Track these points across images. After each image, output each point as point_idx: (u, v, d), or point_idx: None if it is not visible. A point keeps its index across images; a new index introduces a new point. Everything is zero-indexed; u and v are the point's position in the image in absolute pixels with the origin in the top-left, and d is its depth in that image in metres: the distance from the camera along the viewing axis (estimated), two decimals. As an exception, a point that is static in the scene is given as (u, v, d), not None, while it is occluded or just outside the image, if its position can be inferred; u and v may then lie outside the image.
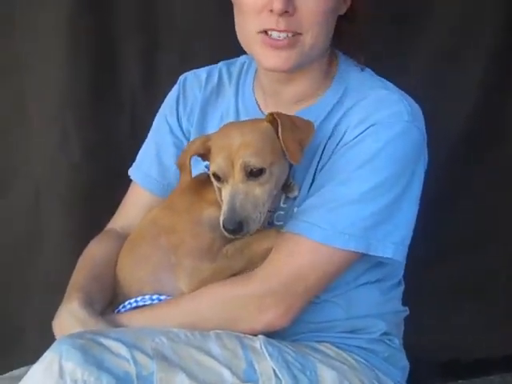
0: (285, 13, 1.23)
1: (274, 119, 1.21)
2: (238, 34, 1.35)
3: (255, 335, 1.22)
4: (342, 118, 1.31)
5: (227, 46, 1.46)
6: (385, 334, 1.36)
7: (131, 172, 1.52)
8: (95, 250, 1.41)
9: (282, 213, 1.31)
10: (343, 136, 1.29)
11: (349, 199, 1.22)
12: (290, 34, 1.25)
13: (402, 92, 1.32)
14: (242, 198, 1.16)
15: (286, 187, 1.29)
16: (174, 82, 1.53)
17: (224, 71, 1.51)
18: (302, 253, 1.22)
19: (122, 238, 1.41)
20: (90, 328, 1.17)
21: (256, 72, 1.45)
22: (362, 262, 1.29)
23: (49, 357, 1.04)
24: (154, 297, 1.26)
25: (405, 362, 1.43)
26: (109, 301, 1.31)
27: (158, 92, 1.62)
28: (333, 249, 1.21)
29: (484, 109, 1.90)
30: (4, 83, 1.75)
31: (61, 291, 1.31)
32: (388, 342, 1.38)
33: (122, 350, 1.06)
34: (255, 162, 1.16)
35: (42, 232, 1.85)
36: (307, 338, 1.32)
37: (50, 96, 1.73)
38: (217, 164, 1.19)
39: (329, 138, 1.30)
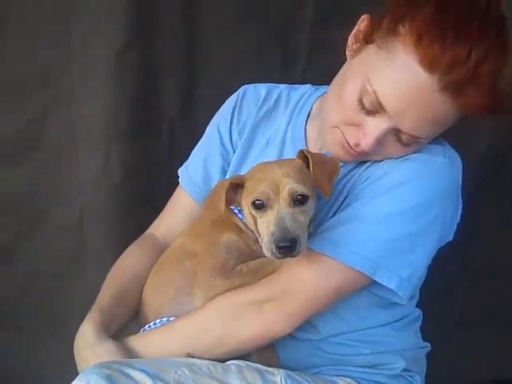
0: None
1: (304, 156, 1.22)
2: (329, 93, 1.32)
3: (257, 346, 1.23)
4: (376, 162, 1.28)
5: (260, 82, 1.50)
6: (405, 370, 1.35)
7: (180, 171, 1.52)
8: (129, 262, 1.42)
9: None
10: (371, 175, 1.26)
11: (367, 220, 1.19)
12: None
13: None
14: (291, 219, 1.13)
15: None
16: (210, 113, 1.53)
17: (284, 95, 1.46)
18: (306, 263, 1.19)
19: (162, 247, 1.42)
20: (97, 351, 1.22)
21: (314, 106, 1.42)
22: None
23: (77, 386, 1.07)
24: (171, 319, 1.28)
25: (426, 399, 1.42)
26: (131, 318, 1.34)
27: (194, 122, 1.68)
28: (338, 263, 1.17)
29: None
30: (59, 113, 1.86)
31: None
32: (409, 378, 1.37)
33: (147, 382, 1.09)
34: (302, 189, 1.15)
35: (86, 248, 1.93)
36: (327, 372, 1.32)
37: (96, 124, 1.83)
38: (260, 191, 1.16)
39: (356, 180, 1.28)
